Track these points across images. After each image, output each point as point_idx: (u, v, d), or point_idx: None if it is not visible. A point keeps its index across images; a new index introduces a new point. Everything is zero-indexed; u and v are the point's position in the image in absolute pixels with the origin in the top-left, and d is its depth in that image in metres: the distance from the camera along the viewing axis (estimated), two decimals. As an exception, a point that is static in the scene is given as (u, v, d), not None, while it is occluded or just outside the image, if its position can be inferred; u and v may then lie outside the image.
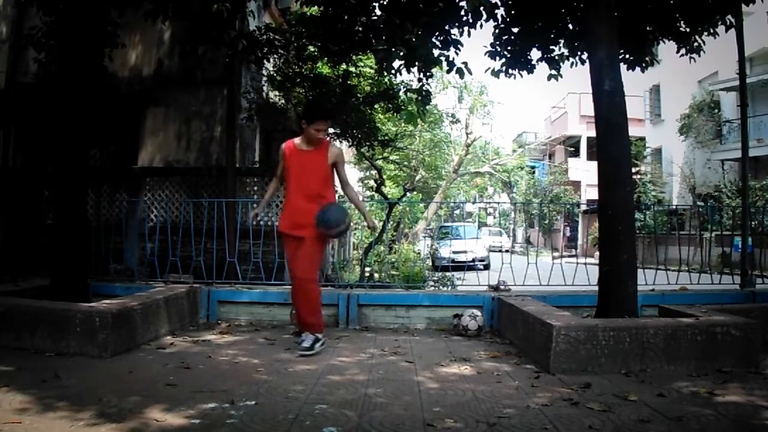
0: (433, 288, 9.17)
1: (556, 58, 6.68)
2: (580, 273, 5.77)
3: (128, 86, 9.98)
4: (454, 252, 15.77)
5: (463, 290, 6.45)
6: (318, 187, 4.28)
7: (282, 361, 3.86)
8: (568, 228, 29.64)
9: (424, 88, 7.40)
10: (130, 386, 3.09)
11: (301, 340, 4.20)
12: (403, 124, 15.35)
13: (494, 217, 43.81)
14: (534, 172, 36.72)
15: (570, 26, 6.37)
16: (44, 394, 2.87)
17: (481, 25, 6.41)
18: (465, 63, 6.42)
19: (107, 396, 2.88)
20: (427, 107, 8.13)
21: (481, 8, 5.51)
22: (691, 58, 6.41)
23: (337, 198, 4.57)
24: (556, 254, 14.37)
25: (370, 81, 9.96)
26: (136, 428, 2.48)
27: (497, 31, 6.55)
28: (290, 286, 5.83)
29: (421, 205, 23.70)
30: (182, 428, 2.50)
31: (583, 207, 23.05)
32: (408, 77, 12.96)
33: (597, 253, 4.80)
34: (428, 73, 6.76)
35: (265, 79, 10.80)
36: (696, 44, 6.30)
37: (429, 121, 20.61)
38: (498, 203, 42.94)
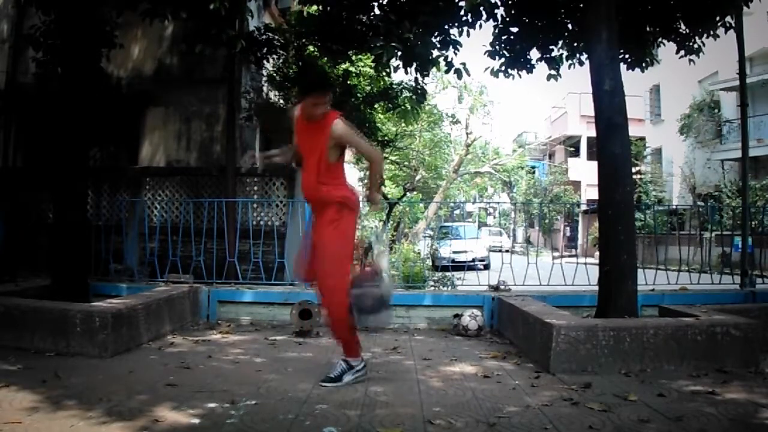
0: (433, 288, 9.16)
1: (556, 58, 6.69)
2: (580, 273, 5.77)
3: (128, 86, 9.98)
4: (455, 252, 15.75)
5: (463, 290, 6.45)
6: (315, 170, 3.37)
7: (282, 361, 3.86)
8: (568, 228, 29.63)
9: (419, 86, 7.42)
10: (131, 386, 3.09)
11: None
12: (402, 124, 15.36)
13: (494, 217, 43.78)
14: (534, 172, 36.70)
15: (570, 26, 6.38)
16: (45, 394, 2.87)
17: (480, 25, 6.43)
18: (463, 64, 6.43)
19: (109, 396, 2.88)
20: (427, 107, 8.18)
21: (481, 8, 5.52)
22: (690, 59, 6.42)
23: (349, 186, 3.55)
24: (556, 254, 14.36)
25: (369, 81, 9.98)
26: (144, 427, 2.48)
27: (497, 30, 6.56)
28: (292, 286, 5.86)
29: (421, 205, 23.70)
30: (182, 428, 2.50)
31: (583, 207, 23.03)
32: (408, 77, 13.00)
33: (597, 253, 4.80)
34: (425, 73, 6.78)
35: (264, 79, 10.81)
36: (696, 46, 6.30)
37: (429, 121, 20.62)
38: (498, 203, 42.91)
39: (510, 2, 6.27)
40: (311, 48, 8.86)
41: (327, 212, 3.37)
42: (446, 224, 25.16)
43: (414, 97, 7.52)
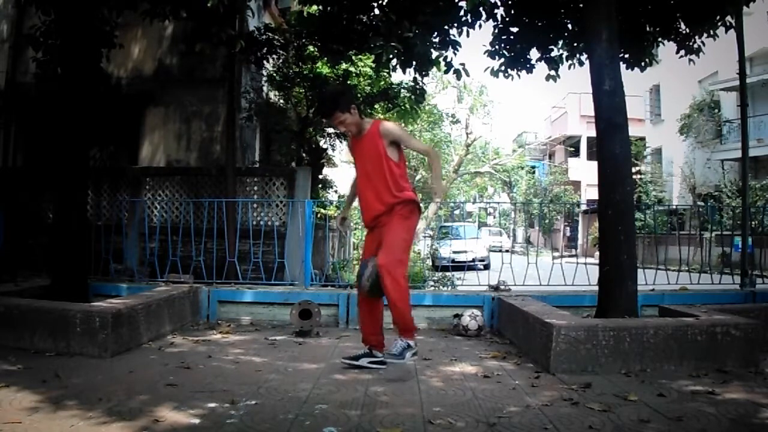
0: (433, 288, 9.16)
1: (556, 58, 6.69)
2: (580, 273, 5.77)
3: (128, 86, 9.98)
4: (455, 252, 15.71)
5: (463, 290, 6.45)
6: (383, 182, 3.55)
7: (282, 361, 3.86)
8: (568, 228, 29.63)
9: (418, 86, 7.43)
10: (131, 386, 3.09)
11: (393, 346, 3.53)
12: (402, 124, 15.38)
13: (494, 217, 43.78)
14: (534, 172, 36.71)
15: (570, 26, 6.38)
16: (45, 394, 2.87)
17: (480, 26, 6.43)
18: (463, 64, 6.43)
19: (109, 396, 2.88)
20: (427, 107, 8.19)
21: (481, 8, 5.52)
22: (690, 59, 6.42)
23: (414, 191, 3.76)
24: (556, 254, 14.33)
25: (369, 81, 9.98)
26: (144, 427, 2.48)
27: (497, 30, 6.56)
28: (292, 286, 5.87)
29: (421, 205, 23.66)
30: (182, 428, 2.50)
31: (583, 207, 23.02)
32: (408, 77, 13.01)
33: (597, 253, 4.80)
34: (424, 73, 6.78)
35: (264, 79, 10.81)
36: (696, 45, 6.30)
37: (429, 121, 20.63)
38: (498, 203, 42.93)
39: (510, 2, 6.27)
40: (311, 48, 8.86)
41: (401, 210, 3.56)
42: (446, 224, 25.12)
43: (413, 97, 7.53)
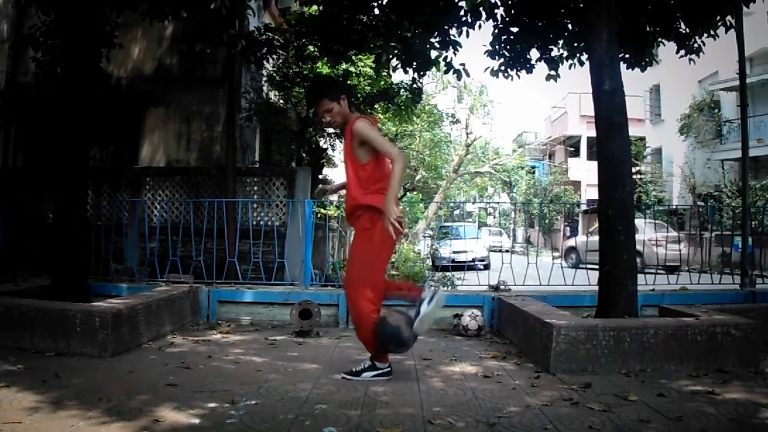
0: (433, 288, 9.15)
1: (556, 58, 6.69)
2: (580, 273, 5.77)
3: (128, 86, 9.98)
4: (455, 252, 15.71)
5: (463, 290, 6.44)
6: (354, 179, 3.34)
7: (282, 361, 3.86)
8: (568, 228, 29.61)
9: (416, 85, 7.42)
10: (131, 386, 3.09)
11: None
12: (402, 124, 15.39)
13: (494, 217, 43.77)
14: (534, 172, 36.68)
15: (570, 26, 6.38)
16: (45, 394, 2.87)
17: (480, 26, 6.42)
18: (463, 65, 6.43)
19: (109, 396, 2.89)
20: (427, 107, 8.19)
21: (481, 8, 5.51)
22: (690, 59, 6.42)
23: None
24: (556, 254, 14.35)
25: (369, 81, 9.99)
26: (144, 427, 2.48)
27: (497, 31, 6.55)
28: (292, 286, 5.87)
29: (421, 205, 23.68)
30: (182, 428, 2.50)
31: (583, 207, 23.00)
32: (407, 77, 13.03)
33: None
34: (422, 73, 6.78)
35: (264, 79, 10.81)
36: (696, 45, 6.30)
37: (429, 121, 20.62)
38: (498, 203, 42.92)
39: (510, 2, 6.26)
40: (311, 48, 8.86)
41: (361, 218, 3.34)
42: (446, 224, 25.12)
43: (411, 96, 7.54)
